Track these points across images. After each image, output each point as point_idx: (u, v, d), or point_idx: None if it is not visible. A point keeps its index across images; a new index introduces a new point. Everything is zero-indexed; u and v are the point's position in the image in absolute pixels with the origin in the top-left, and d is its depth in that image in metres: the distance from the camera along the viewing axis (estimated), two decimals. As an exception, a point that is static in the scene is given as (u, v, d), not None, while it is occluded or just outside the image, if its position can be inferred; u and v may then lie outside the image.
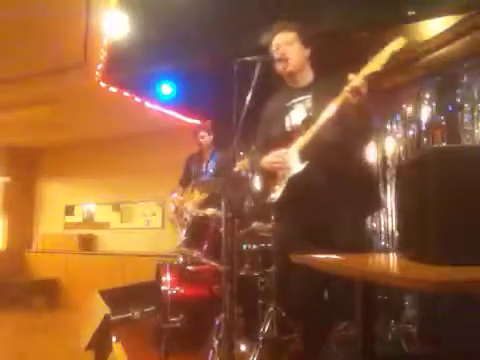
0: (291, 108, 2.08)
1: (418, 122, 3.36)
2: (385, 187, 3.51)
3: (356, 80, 1.73)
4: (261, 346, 2.20)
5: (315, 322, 2.04)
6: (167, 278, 2.81)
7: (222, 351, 2.02)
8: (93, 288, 3.77)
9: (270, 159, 2.02)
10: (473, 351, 1.90)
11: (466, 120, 2.98)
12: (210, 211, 2.95)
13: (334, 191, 1.88)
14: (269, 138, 2.16)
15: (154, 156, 5.95)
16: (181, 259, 3.00)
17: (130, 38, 3.38)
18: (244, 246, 2.78)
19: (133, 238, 6.26)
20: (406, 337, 2.47)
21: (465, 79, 3.00)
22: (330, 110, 1.82)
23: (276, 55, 2.06)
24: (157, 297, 2.91)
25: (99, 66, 3.81)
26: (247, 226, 2.66)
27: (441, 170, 0.99)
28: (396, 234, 3.45)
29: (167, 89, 4.10)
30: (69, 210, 7.14)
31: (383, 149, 3.68)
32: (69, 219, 7.12)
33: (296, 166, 1.92)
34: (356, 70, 1.75)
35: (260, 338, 2.24)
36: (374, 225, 3.68)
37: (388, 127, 3.67)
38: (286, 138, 2.01)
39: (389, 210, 3.50)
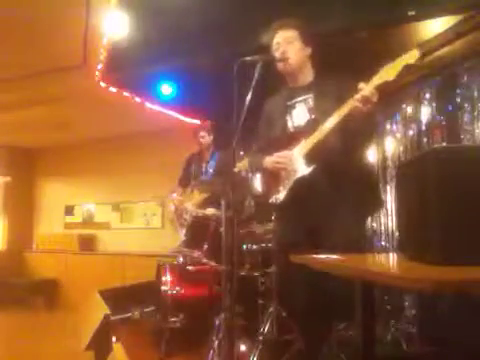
0: (292, 107, 2.08)
1: (418, 122, 3.36)
2: (385, 187, 3.52)
3: (366, 89, 1.72)
4: (261, 346, 2.20)
5: (315, 322, 2.04)
6: (167, 278, 2.81)
7: (222, 351, 2.02)
8: (93, 288, 3.77)
9: (274, 160, 2.03)
10: (473, 351, 1.90)
11: (466, 120, 2.98)
12: (210, 211, 2.96)
13: (337, 193, 1.90)
14: (271, 138, 2.16)
15: (154, 156, 5.95)
16: (181, 259, 3.00)
17: (130, 38, 3.38)
18: (244, 246, 2.78)
19: (133, 238, 6.26)
20: (406, 337, 2.48)
21: (465, 79, 3.00)
22: (337, 117, 1.82)
23: (276, 54, 2.06)
24: (157, 297, 2.91)
25: (99, 66, 3.81)
26: (247, 226, 2.66)
27: (441, 170, 0.99)
28: (396, 234, 3.45)
29: (167, 89, 4.10)
30: (69, 210, 7.14)
31: (383, 149, 3.68)
32: (69, 219, 7.12)
33: (302, 169, 1.92)
34: (357, 71, 1.75)
35: (260, 338, 2.24)
36: (374, 225, 3.68)
37: (388, 127, 3.67)
38: (289, 139, 2.01)
39: (389, 210, 3.50)
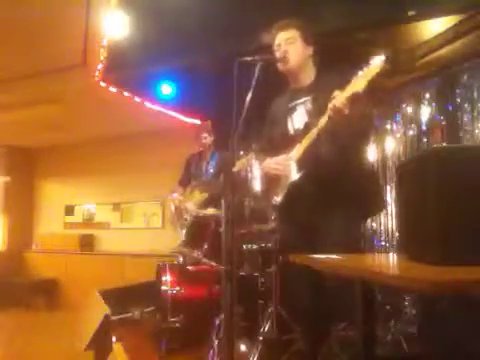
0: (294, 110, 2.09)
1: (418, 122, 3.36)
2: (385, 187, 3.52)
3: (338, 100, 1.73)
4: (261, 346, 2.20)
5: (315, 322, 2.04)
6: (167, 278, 2.81)
7: (222, 351, 2.02)
8: (93, 288, 3.77)
9: (270, 164, 2.05)
10: (473, 351, 1.90)
11: (466, 120, 2.98)
12: (210, 211, 2.96)
13: (330, 197, 1.91)
14: (273, 140, 2.18)
15: (154, 156, 5.94)
16: (181, 259, 3.00)
17: (130, 38, 3.38)
18: (244, 246, 2.78)
19: (133, 238, 6.26)
20: (406, 337, 2.47)
21: (465, 79, 3.00)
22: (320, 123, 1.84)
23: (277, 54, 2.06)
24: (157, 297, 2.91)
25: (99, 66, 3.81)
26: (247, 226, 2.67)
27: (441, 170, 0.99)
28: (396, 234, 3.45)
29: (167, 89, 4.10)
30: (69, 210, 7.13)
31: (383, 149, 3.68)
32: (69, 219, 7.12)
33: (293, 174, 1.95)
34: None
35: (260, 338, 2.24)
36: (374, 225, 3.68)
37: (388, 127, 3.67)
38: (289, 142, 2.01)
39: (389, 210, 3.51)
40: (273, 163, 2.04)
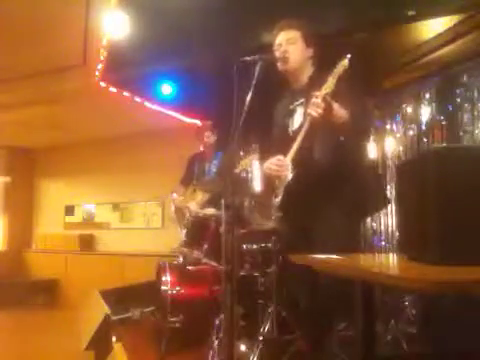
0: (294, 111, 2.12)
1: (418, 122, 3.36)
2: (385, 187, 3.51)
3: (313, 101, 1.77)
4: (261, 346, 2.20)
5: (315, 322, 2.04)
6: (167, 278, 2.81)
7: (222, 351, 2.02)
8: (93, 288, 3.77)
9: (268, 166, 2.06)
10: (473, 351, 1.90)
11: (466, 120, 2.98)
12: (210, 211, 2.96)
13: (324, 197, 1.92)
14: (274, 141, 2.21)
15: (154, 156, 5.94)
16: (181, 259, 3.00)
17: (130, 38, 3.38)
18: (244, 246, 2.78)
19: (133, 238, 6.26)
20: (406, 337, 2.47)
21: (465, 79, 3.00)
22: (305, 125, 1.87)
23: (277, 53, 2.07)
24: (157, 297, 2.91)
25: (99, 66, 3.81)
26: (247, 226, 2.66)
27: (441, 170, 0.99)
28: (396, 234, 3.45)
29: (167, 89, 4.10)
30: (69, 210, 7.13)
31: (383, 149, 3.68)
32: (69, 219, 7.12)
33: (288, 175, 1.96)
34: (357, 71, 1.77)
35: (260, 338, 2.24)
36: (374, 225, 3.68)
37: (388, 127, 3.67)
38: (288, 143, 2.02)
39: (389, 210, 3.50)
40: (271, 164, 2.06)
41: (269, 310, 2.35)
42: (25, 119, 5.64)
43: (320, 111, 1.74)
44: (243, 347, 2.23)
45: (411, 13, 2.66)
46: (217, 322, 2.31)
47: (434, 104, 3.25)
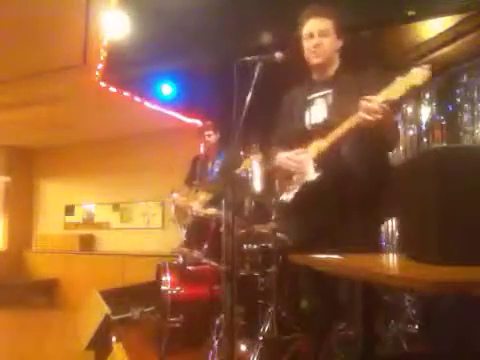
0: (312, 103, 1.98)
1: (418, 122, 3.36)
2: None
3: (375, 103, 1.60)
4: (261, 346, 2.20)
5: (315, 322, 2.04)
6: (167, 278, 2.81)
7: (222, 351, 2.02)
8: (93, 288, 3.77)
9: (286, 159, 1.94)
10: (473, 351, 1.90)
11: (466, 120, 2.98)
12: (211, 211, 2.95)
13: (346, 201, 1.81)
14: (289, 134, 2.06)
15: (154, 156, 5.95)
16: (181, 259, 3.00)
17: (130, 38, 3.38)
18: (244, 246, 2.78)
19: (133, 238, 6.26)
20: (406, 337, 2.47)
21: (465, 79, 3.00)
22: (346, 126, 1.72)
23: (307, 44, 1.95)
24: (157, 297, 2.91)
25: (99, 66, 3.81)
26: (247, 226, 2.66)
27: (441, 170, 0.99)
28: (396, 234, 3.45)
29: (167, 89, 4.10)
30: (69, 210, 7.14)
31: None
32: (69, 219, 7.12)
33: (310, 173, 1.84)
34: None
35: (260, 338, 2.24)
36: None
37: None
38: (306, 137, 1.91)
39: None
40: (289, 158, 1.93)
41: (269, 310, 2.35)
42: (25, 119, 5.64)
43: (379, 117, 1.59)
44: (243, 347, 2.23)
45: (411, 13, 2.66)
46: (217, 322, 2.31)
47: (434, 104, 3.25)
